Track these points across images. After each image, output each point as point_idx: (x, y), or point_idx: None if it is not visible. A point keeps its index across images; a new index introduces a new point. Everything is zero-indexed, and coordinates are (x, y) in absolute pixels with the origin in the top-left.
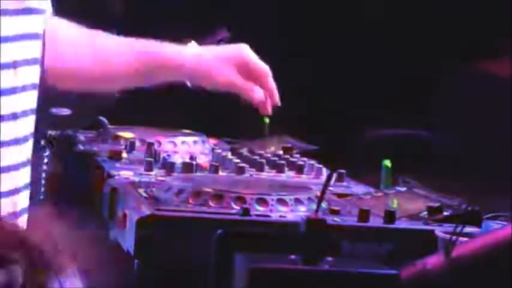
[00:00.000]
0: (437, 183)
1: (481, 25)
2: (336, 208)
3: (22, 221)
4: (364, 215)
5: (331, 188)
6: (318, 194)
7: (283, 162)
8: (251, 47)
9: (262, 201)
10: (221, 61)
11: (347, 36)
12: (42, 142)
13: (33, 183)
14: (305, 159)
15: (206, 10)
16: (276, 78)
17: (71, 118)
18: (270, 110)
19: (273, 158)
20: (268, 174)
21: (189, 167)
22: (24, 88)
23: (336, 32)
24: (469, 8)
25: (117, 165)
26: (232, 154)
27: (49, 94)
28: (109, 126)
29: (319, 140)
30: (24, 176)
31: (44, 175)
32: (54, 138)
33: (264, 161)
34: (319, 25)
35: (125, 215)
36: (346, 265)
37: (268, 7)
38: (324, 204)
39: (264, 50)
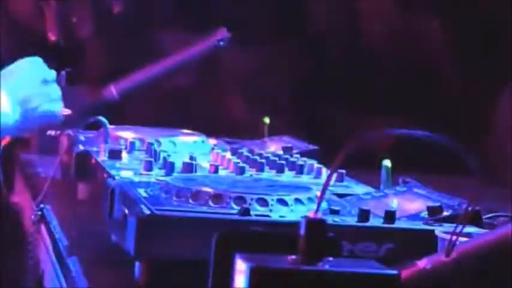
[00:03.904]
0: (437, 183)
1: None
2: (336, 208)
3: None
4: (364, 215)
5: (331, 188)
6: (318, 194)
7: (283, 162)
8: (251, 47)
9: (262, 201)
10: None
11: (347, 35)
12: None
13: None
14: (305, 159)
15: (206, 10)
16: (276, 78)
17: (71, 118)
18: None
19: (273, 158)
20: (268, 174)
21: (189, 167)
22: None
23: (336, 32)
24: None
25: (117, 165)
26: (232, 154)
27: None
28: (109, 126)
29: (319, 140)
30: None
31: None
32: None
33: (264, 161)
34: (319, 26)
35: (125, 215)
36: (346, 265)
37: (268, 6)
38: (324, 204)
39: (264, 50)
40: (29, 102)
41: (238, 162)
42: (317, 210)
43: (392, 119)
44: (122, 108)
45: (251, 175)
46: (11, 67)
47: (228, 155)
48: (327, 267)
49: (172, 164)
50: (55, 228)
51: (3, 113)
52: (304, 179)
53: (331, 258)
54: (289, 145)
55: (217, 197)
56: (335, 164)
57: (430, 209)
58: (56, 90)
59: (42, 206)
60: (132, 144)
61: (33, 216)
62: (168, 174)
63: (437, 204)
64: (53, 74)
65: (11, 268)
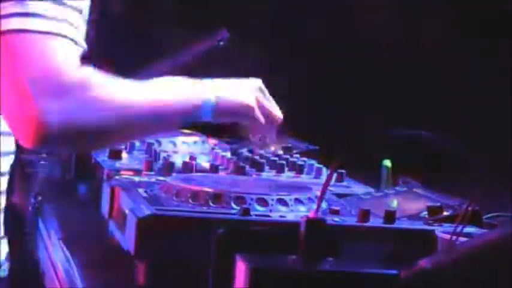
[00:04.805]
0: (437, 183)
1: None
2: (336, 208)
3: None
4: (364, 215)
5: (331, 188)
6: (318, 194)
7: (283, 162)
8: (251, 47)
9: (262, 201)
10: None
11: (347, 35)
12: None
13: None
14: (305, 159)
15: (206, 10)
16: (276, 78)
17: None
18: None
19: (273, 158)
20: (268, 174)
21: (189, 167)
22: None
23: (336, 32)
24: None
25: (117, 165)
26: (232, 154)
27: None
28: None
29: (319, 140)
30: None
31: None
32: None
33: (264, 161)
34: (318, 25)
35: (124, 215)
36: (346, 265)
37: (268, 7)
38: (324, 204)
39: (264, 50)
40: (223, 90)
41: (238, 162)
42: (317, 210)
43: (393, 119)
44: None
45: (251, 175)
46: None
47: (228, 155)
48: (327, 267)
49: (172, 164)
50: (55, 228)
51: (203, 98)
52: (304, 179)
53: (331, 258)
54: (289, 145)
55: (217, 197)
56: (334, 164)
57: (430, 209)
58: (250, 85)
59: (39, 198)
60: (132, 144)
61: (30, 208)
62: (168, 174)
63: (437, 204)
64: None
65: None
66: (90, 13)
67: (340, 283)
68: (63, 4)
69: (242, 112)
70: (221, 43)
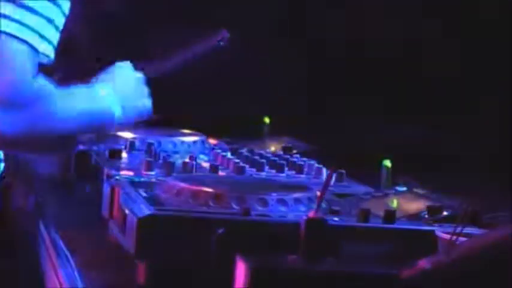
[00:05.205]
0: (437, 183)
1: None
2: (336, 208)
3: None
4: (364, 215)
5: (331, 188)
6: (318, 194)
7: (283, 162)
8: (251, 47)
9: (262, 201)
10: None
11: (347, 36)
12: None
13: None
14: (305, 159)
15: (206, 10)
16: (275, 78)
17: None
18: None
19: (273, 158)
20: (268, 174)
21: (189, 167)
22: None
23: (336, 32)
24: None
25: (117, 165)
26: (232, 154)
27: None
28: None
29: (319, 140)
30: None
31: None
32: None
33: (264, 161)
34: (319, 25)
35: (124, 215)
36: (346, 265)
37: (268, 7)
38: (324, 204)
39: (264, 50)
40: (128, 100)
41: (238, 162)
42: (317, 210)
43: (392, 119)
44: None
45: (251, 175)
46: (109, 70)
47: (228, 155)
48: (327, 267)
49: (172, 164)
50: (55, 228)
51: (111, 112)
52: (304, 179)
53: (331, 258)
54: (289, 145)
55: (217, 197)
56: (334, 165)
57: (430, 209)
58: (145, 89)
59: (39, 198)
60: (132, 144)
61: (30, 208)
62: (168, 174)
63: (437, 204)
64: (141, 75)
65: (11, 269)
66: (90, 14)
67: (340, 283)
68: (32, 10)
69: (146, 116)
70: (221, 43)
